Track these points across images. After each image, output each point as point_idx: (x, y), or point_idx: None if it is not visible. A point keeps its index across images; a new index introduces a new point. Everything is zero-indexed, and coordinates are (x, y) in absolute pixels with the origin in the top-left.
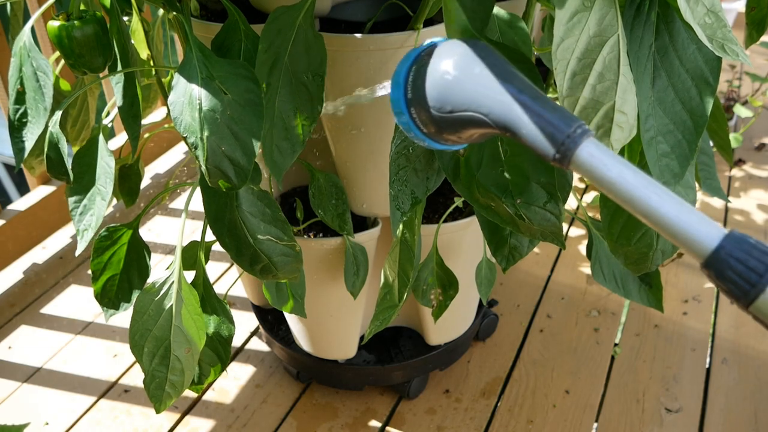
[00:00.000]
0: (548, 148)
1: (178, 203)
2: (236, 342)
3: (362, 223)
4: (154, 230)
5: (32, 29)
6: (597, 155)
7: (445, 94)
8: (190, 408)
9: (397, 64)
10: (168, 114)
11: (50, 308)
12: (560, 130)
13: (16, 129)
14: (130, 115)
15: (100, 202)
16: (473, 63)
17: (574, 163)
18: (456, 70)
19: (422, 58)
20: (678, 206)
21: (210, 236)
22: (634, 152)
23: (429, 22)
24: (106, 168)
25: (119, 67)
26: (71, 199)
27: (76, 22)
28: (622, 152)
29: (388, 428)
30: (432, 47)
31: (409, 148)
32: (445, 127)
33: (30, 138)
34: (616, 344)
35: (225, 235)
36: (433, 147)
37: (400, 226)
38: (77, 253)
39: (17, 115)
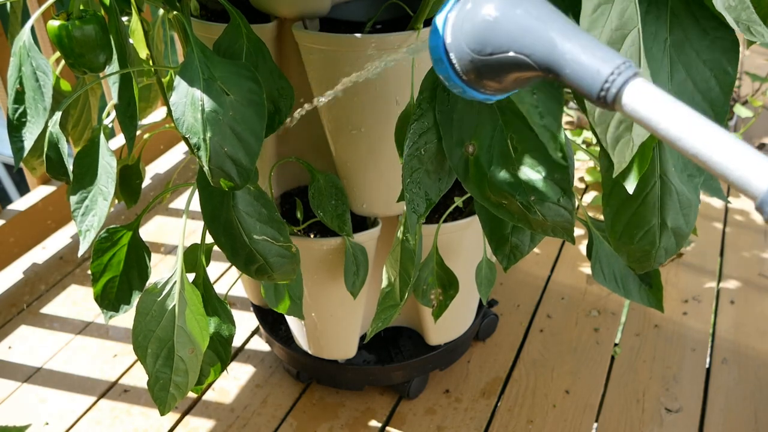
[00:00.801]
0: (592, 88)
1: (178, 203)
2: (236, 342)
3: (362, 223)
4: (154, 230)
5: (32, 29)
6: (642, 93)
7: (486, 36)
8: (190, 408)
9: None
10: (168, 114)
11: (50, 308)
12: (604, 69)
13: (14, 128)
14: (127, 115)
15: (102, 203)
16: (514, 3)
17: (618, 102)
18: (497, 11)
19: (461, 1)
20: (730, 145)
21: (210, 237)
22: (647, 147)
23: (429, 22)
24: (107, 168)
25: (117, 67)
26: (73, 200)
27: (76, 21)
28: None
29: (388, 428)
30: None
31: (420, 150)
32: (485, 72)
33: (29, 138)
34: (616, 344)
35: (221, 234)
36: (472, 96)
37: (401, 227)
38: (80, 253)
39: (16, 115)
